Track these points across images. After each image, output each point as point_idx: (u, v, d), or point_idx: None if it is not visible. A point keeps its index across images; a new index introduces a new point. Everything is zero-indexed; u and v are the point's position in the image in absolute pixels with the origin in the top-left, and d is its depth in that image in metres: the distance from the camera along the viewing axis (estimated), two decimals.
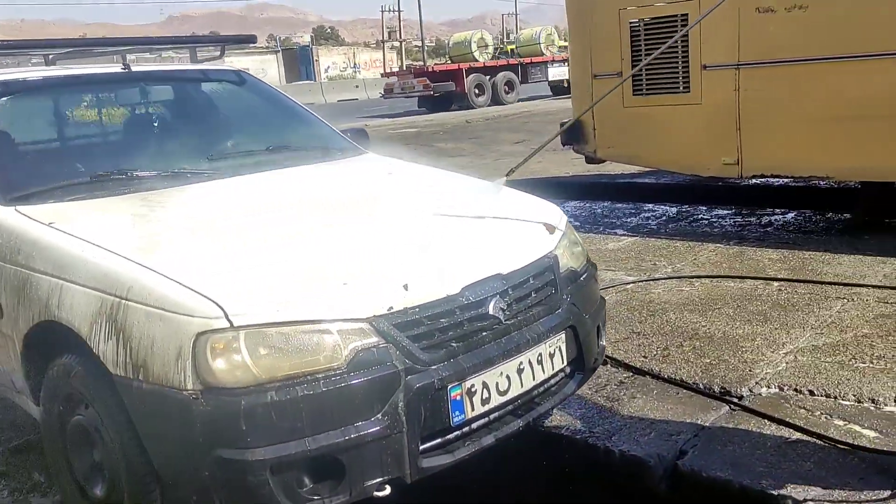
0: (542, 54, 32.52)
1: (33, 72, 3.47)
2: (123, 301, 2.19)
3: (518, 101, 30.01)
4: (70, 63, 4.32)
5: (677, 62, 6.18)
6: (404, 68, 39.50)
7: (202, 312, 2.07)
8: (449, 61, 33.60)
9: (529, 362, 2.49)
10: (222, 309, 2.07)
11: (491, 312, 2.40)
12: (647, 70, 6.36)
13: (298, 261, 2.34)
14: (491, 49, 34.38)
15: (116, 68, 3.57)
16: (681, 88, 6.20)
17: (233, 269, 2.24)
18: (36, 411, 2.77)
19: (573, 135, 7.08)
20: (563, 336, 2.64)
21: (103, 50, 4.13)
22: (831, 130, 5.36)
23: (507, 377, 2.42)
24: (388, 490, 2.18)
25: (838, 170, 5.51)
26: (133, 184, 2.94)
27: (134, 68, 3.57)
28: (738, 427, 2.92)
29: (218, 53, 4.40)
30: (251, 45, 4.49)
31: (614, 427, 3.02)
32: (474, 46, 32.43)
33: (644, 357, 3.65)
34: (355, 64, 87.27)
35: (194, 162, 3.21)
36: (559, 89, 31.41)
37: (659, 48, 6.22)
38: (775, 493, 2.47)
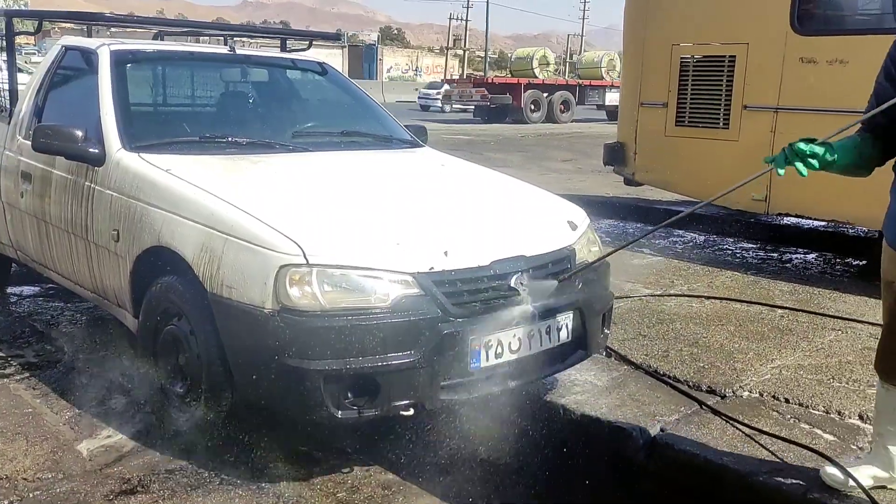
0: (602, 78, 32.95)
1: (153, 45, 4.09)
2: (224, 235, 2.76)
3: (572, 121, 30.46)
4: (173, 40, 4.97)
5: (720, 99, 6.62)
6: (465, 77, 40.19)
7: (286, 250, 2.63)
8: (509, 75, 34.23)
9: (539, 331, 3.00)
10: (301, 249, 2.62)
11: (512, 285, 2.91)
12: (690, 103, 6.83)
13: (362, 220, 2.89)
14: (552, 67, 34.80)
15: (223, 50, 4.17)
16: (720, 124, 6.64)
17: (311, 220, 2.80)
18: (132, 322, 3.36)
19: (614, 156, 7.55)
20: (571, 315, 3.14)
21: (211, 32, 4.76)
22: (856, 179, 5.75)
23: (519, 339, 2.93)
24: (412, 412, 2.71)
25: (858, 217, 5.90)
26: (231, 147, 3.53)
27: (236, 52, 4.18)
28: (715, 418, 3.38)
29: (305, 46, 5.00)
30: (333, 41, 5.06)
31: (608, 404, 3.49)
32: (535, 63, 32.96)
33: (645, 355, 4.12)
34: (417, 67, 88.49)
35: (281, 136, 3.79)
36: (615, 114, 31.81)
37: (704, 85, 6.73)
38: (732, 467, 2.94)
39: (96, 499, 2.66)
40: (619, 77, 33.73)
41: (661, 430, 3.28)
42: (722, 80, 6.60)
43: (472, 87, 30.45)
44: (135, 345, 3.29)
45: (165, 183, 3.08)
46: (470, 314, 2.79)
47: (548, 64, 33.53)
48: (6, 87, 4.33)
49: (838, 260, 6.74)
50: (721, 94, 6.62)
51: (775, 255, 6.87)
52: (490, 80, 31.53)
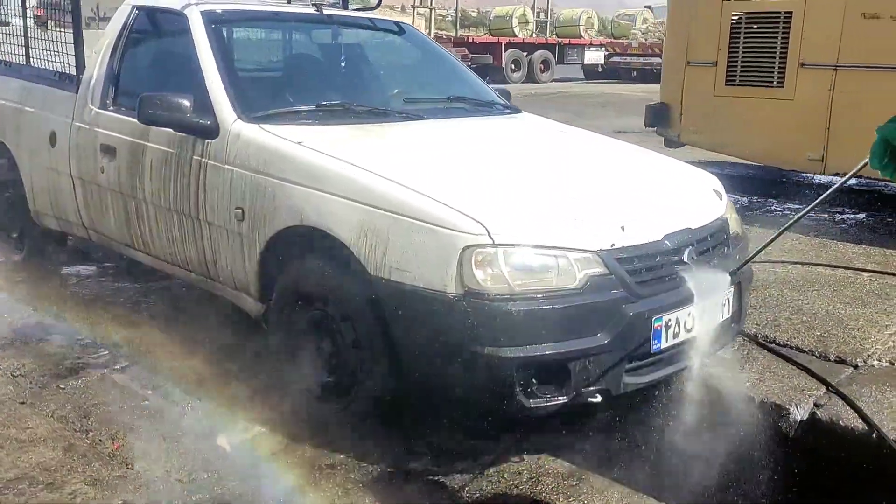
0: (581, 37, 32.61)
1: (236, 4, 3.78)
2: (391, 214, 2.54)
3: (552, 80, 30.20)
4: None
5: (774, 57, 6.47)
6: (432, 37, 39.43)
7: (469, 229, 2.43)
8: (488, 34, 33.68)
9: (708, 307, 2.84)
10: (486, 228, 2.43)
11: (685, 259, 2.75)
12: (742, 62, 6.67)
13: (531, 194, 2.70)
14: (531, 26, 34.37)
15: (308, 9, 3.89)
16: (775, 83, 6.49)
17: (485, 196, 2.60)
18: (253, 307, 3.13)
19: (657, 117, 7.38)
20: (732, 290, 2.99)
21: None
22: None
23: (693, 317, 2.77)
24: (599, 399, 2.55)
25: None
26: (350, 116, 3.29)
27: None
28: (863, 389, 3.28)
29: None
30: None
31: (748, 379, 3.36)
32: (515, 21, 32.42)
33: (756, 325, 3.99)
34: None
35: (391, 103, 3.54)
36: (592, 73, 31.67)
37: (757, 42, 6.57)
38: None
39: (268, 501, 2.47)
40: (597, 35, 33.63)
41: (816, 404, 3.18)
42: (777, 37, 6.44)
43: (453, 47, 29.87)
44: (242, 329, 3.06)
45: (303, 157, 2.84)
46: (651, 293, 2.63)
47: (527, 22, 32.97)
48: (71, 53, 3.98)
49: (891, 219, 6.68)
50: (776, 52, 6.46)
51: (826, 215, 6.79)
52: (471, 40, 30.96)
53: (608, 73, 30.80)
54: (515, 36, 30.82)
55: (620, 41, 32.21)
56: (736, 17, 6.67)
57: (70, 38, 3.99)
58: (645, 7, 34.77)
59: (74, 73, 3.95)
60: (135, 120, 3.46)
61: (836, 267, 5.05)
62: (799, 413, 3.14)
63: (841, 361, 3.60)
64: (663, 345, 2.67)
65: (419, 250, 2.48)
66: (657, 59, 29.61)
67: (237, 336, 3.55)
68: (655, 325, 2.62)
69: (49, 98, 4.11)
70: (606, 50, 31.55)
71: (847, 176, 2.58)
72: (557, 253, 2.48)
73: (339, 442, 2.79)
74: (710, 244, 2.92)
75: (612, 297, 2.52)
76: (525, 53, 29.61)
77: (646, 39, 30.99)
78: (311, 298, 2.84)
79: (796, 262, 5.14)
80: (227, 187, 3.06)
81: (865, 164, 2.27)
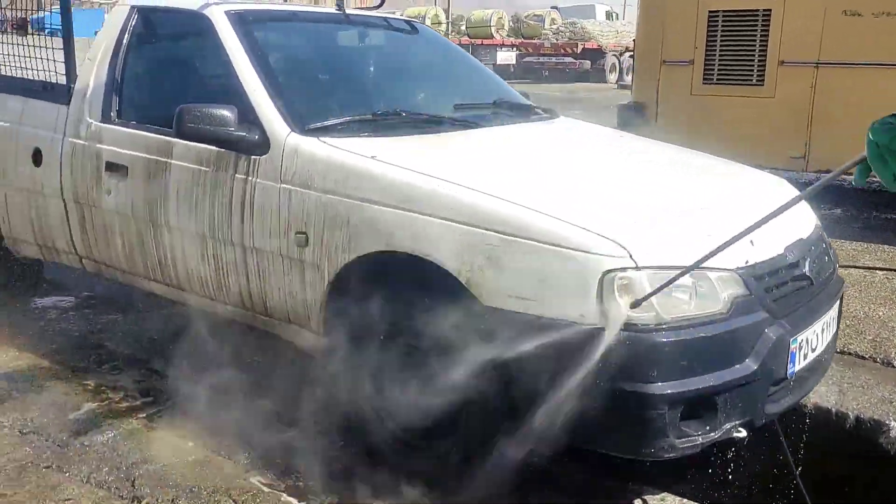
0: (493, 37, 32.81)
1: (255, 4, 3.39)
2: (506, 237, 2.24)
3: None
4: None
5: (753, 55, 6.46)
6: None
7: (607, 251, 2.16)
8: None
9: (826, 323, 2.67)
10: (627, 251, 2.16)
11: (806, 272, 2.56)
12: (719, 60, 6.63)
13: (654, 208, 2.44)
14: (443, 27, 34.43)
15: (328, 9, 3.54)
16: (754, 81, 6.49)
17: (614, 213, 2.32)
18: (314, 341, 2.76)
19: (632, 118, 7.28)
20: (838, 301, 2.82)
21: None
22: None
23: (816, 335, 2.59)
24: (744, 433, 2.31)
25: None
26: (409, 125, 2.95)
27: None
28: None
29: None
30: None
31: (829, 392, 3.21)
32: (428, 22, 32.33)
33: None
34: None
35: (442, 109, 3.22)
36: (505, 73, 31.88)
37: (735, 40, 6.54)
38: None
39: None
40: (508, 36, 33.89)
41: None
42: (756, 35, 6.43)
43: None
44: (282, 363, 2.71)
45: (386, 174, 2.49)
46: (785, 311, 2.42)
47: (440, 23, 32.97)
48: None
49: (863, 214, 6.76)
50: (755, 50, 6.46)
51: None
52: None
53: (520, 72, 31.09)
54: None
55: (532, 41, 32.54)
56: (713, 14, 6.62)
57: (51, 43, 3.49)
58: (552, 7, 35.29)
59: (64, 83, 3.45)
60: (150, 134, 3.08)
61: (848, 267, 5.03)
62: None
63: None
64: (797, 367, 2.47)
65: (545, 276, 2.18)
66: (569, 59, 30.15)
67: (279, 372, 3.16)
68: (792, 346, 2.42)
69: (29, 111, 3.59)
70: (518, 50, 31.82)
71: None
72: (699, 274, 2.24)
73: (432, 495, 2.46)
74: (816, 253, 2.74)
75: (755, 319, 2.29)
76: None
77: (557, 40, 31.37)
78: (396, 332, 2.51)
79: None
80: (283, 209, 2.68)
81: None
